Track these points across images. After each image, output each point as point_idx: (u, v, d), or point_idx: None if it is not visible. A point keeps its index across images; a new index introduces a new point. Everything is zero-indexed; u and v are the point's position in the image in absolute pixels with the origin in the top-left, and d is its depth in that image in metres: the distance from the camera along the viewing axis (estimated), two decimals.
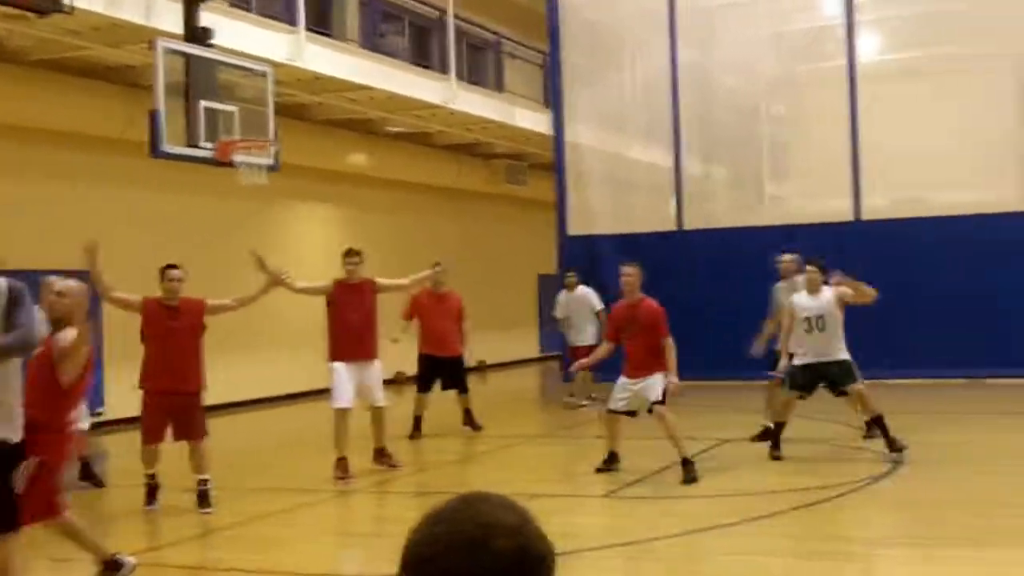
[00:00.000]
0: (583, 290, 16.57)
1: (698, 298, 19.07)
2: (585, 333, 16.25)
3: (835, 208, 18.71)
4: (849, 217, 18.68)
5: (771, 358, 11.85)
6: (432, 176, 22.91)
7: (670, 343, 10.33)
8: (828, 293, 11.05)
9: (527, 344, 27.74)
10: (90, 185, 15.73)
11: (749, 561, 7.39)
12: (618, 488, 9.86)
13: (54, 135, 14.87)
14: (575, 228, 20.81)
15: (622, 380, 10.51)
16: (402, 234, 21.92)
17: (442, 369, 13.90)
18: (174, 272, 9.65)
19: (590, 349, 15.34)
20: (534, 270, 27.16)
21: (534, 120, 22.20)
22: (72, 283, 6.53)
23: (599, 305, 16.13)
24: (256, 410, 17.59)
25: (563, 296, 16.76)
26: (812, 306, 11.04)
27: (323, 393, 17.69)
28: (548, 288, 26.59)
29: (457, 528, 1.59)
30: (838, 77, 18.84)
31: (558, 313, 16.75)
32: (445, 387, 14.03)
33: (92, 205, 15.63)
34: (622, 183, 20.82)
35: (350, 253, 11.32)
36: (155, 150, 11.88)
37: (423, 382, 13.95)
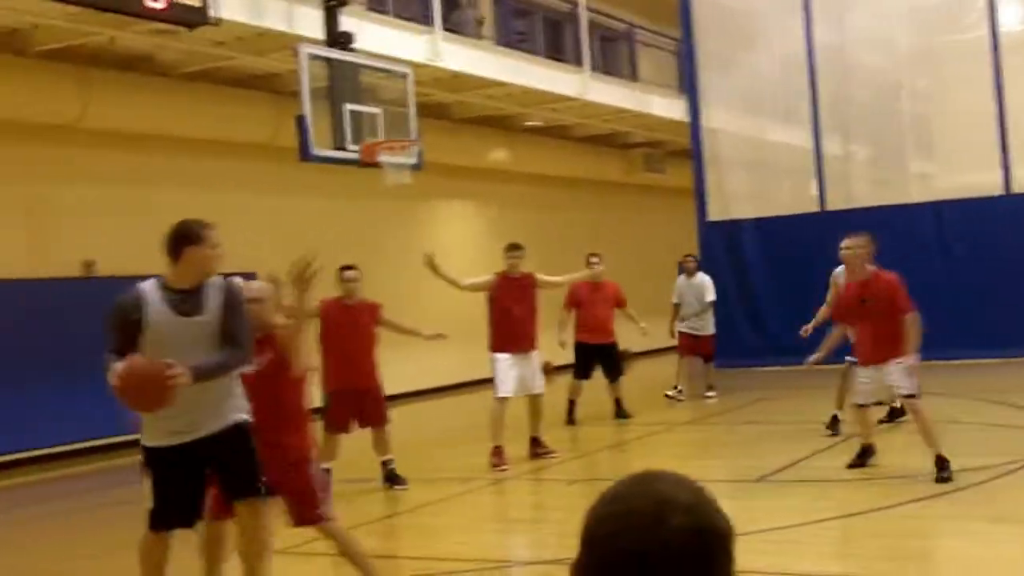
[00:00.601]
0: (701, 277, 16.12)
1: None
2: (695, 321, 15.87)
3: (983, 182, 18.26)
4: (998, 191, 18.21)
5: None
6: (570, 168, 23.02)
7: (913, 317, 9.13)
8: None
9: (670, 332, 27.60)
10: (242, 191, 16.25)
11: (905, 545, 7.33)
12: (770, 473, 9.84)
13: (205, 144, 15.40)
14: (714, 214, 20.71)
15: (859, 370, 9.48)
16: (542, 228, 22.06)
17: (597, 356, 14.28)
18: (349, 273, 10.16)
19: (695, 339, 15.80)
20: (674, 258, 27.01)
21: (669, 107, 22.14)
22: (259, 284, 6.66)
23: (712, 295, 15.91)
24: (410, 403, 17.92)
25: (680, 281, 16.31)
26: None
27: (471, 385, 18.01)
28: None
29: (634, 506, 1.59)
30: (980, 48, 18.37)
31: (673, 298, 16.22)
32: (605, 374, 14.42)
33: (244, 211, 16.15)
34: (761, 166, 20.63)
35: (513, 248, 11.63)
36: (304, 154, 12.25)
37: (580, 369, 14.34)
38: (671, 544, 1.55)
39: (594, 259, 14.29)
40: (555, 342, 13.68)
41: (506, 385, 11.19)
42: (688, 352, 16.08)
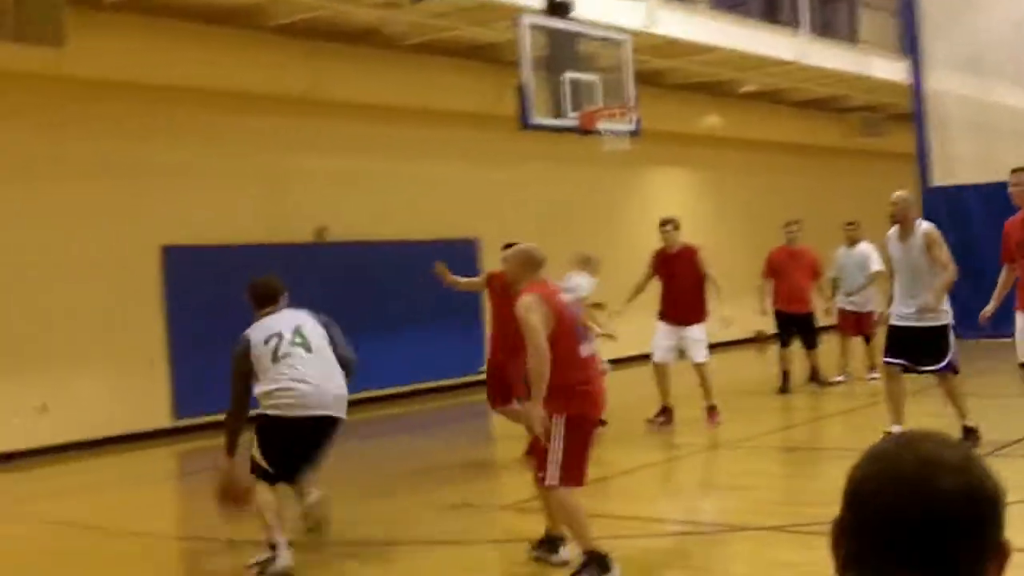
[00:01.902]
0: (863, 247, 14.51)
1: None
2: (857, 296, 14.43)
3: None
4: None
5: None
6: (785, 134, 22.67)
7: None
8: None
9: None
10: (464, 159, 16.64)
11: None
12: (1003, 446, 9.59)
13: (430, 114, 15.84)
14: (938, 179, 20.08)
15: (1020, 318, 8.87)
16: (756, 194, 21.85)
17: (793, 324, 14.20)
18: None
19: (857, 316, 14.42)
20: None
21: (890, 70, 21.49)
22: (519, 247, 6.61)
23: (876, 266, 13.98)
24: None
25: (840, 252, 14.78)
26: None
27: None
28: None
29: (899, 465, 1.55)
30: None
31: (831, 271, 14.74)
32: (802, 342, 14.29)
33: (465, 180, 16.57)
34: (987, 130, 19.88)
35: (665, 223, 11.80)
36: (524, 122, 12.47)
37: (782, 337, 14.34)
38: (937, 505, 1.50)
39: (792, 227, 14.25)
40: (759, 311, 13.97)
41: (657, 353, 11.78)
42: (850, 331, 14.69)
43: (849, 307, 14.53)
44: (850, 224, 14.84)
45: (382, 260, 15.07)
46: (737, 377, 13.89)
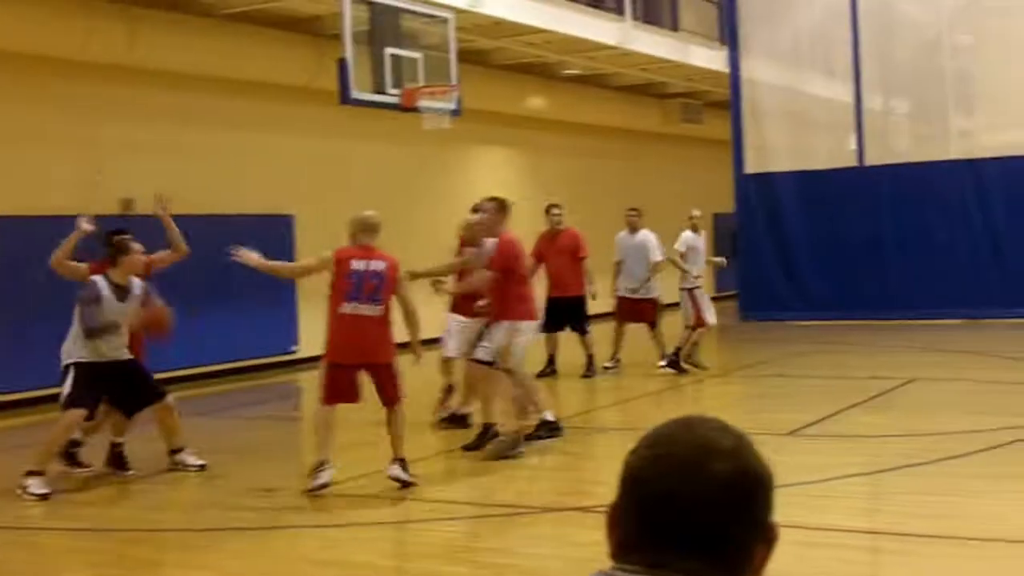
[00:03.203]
0: (644, 234, 14.40)
1: (880, 235, 18.82)
2: (635, 282, 14.28)
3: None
4: None
5: None
6: (607, 118, 22.93)
7: None
8: None
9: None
10: (281, 133, 16.32)
11: (936, 501, 7.39)
12: (802, 427, 9.92)
13: (247, 85, 15.45)
14: (752, 166, 20.66)
15: None
16: (578, 176, 22.05)
17: (561, 310, 13.63)
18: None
19: (633, 303, 14.28)
20: (710, 209, 26.98)
21: (709, 58, 21.98)
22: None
23: (658, 255, 14.21)
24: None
25: (621, 236, 14.55)
26: None
27: None
28: (724, 227, 26.43)
29: (674, 450, 1.58)
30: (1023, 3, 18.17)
31: (616, 255, 14.53)
32: (572, 329, 13.90)
33: (283, 153, 16.26)
34: (800, 119, 20.53)
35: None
36: (345, 97, 12.29)
37: (547, 324, 13.49)
38: (711, 488, 1.55)
39: (554, 210, 13.86)
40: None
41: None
42: (627, 318, 14.43)
43: (626, 294, 14.34)
44: (632, 210, 14.63)
45: (191, 235, 14.57)
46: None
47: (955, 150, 19.06)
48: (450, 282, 10.13)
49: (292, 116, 16.32)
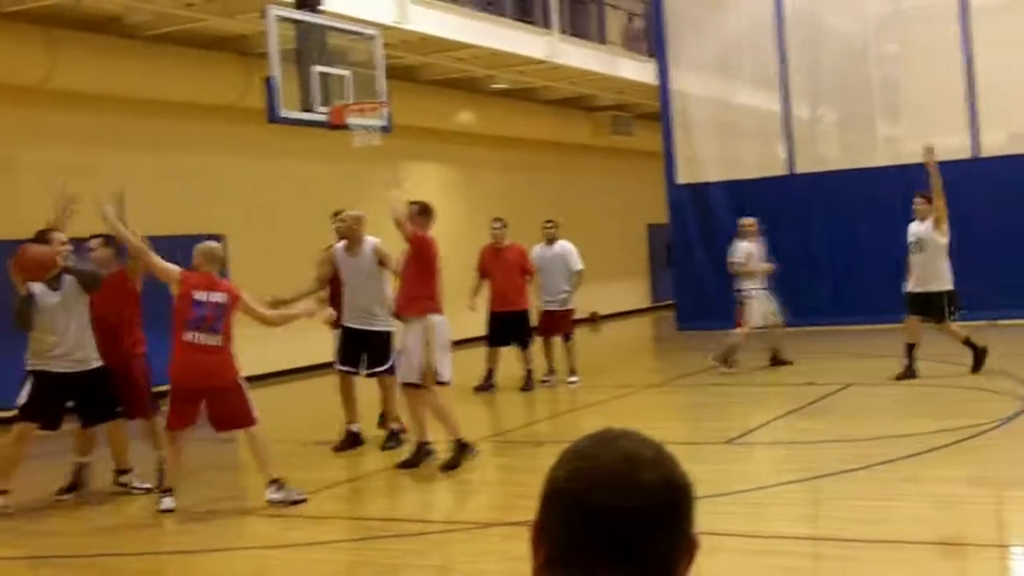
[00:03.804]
0: (562, 244, 14.28)
1: (811, 242, 18.98)
2: (554, 295, 14.13)
3: (952, 146, 18.34)
4: (967, 155, 18.30)
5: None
6: (538, 131, 22.97)
7: None
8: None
9: (638, 294, 27.81)
10: (210, 153, 16.14)
11: (872, 507, 7.42)
12: (740, 435, 9.94)
13: (174, 106, 15.26)
14: (684, 177, 20.75)
15: None
16: (509, 190, 22.04)
17: (504, 324, 13.75)
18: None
19: (553, 315, 14.14)
20: (644, 220, 27.15)
21: (638, 70, 22.12)
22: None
23: (579, 265, 14.14)
24: None
25: (538, 250, 14.34)
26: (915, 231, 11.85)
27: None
28: (658, 238, 26.58)
29: (600, 464, 1.59)
30: (948, 12, 18.42)
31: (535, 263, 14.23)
32: (515, 342, 13.88)
33: (212, 173, 16.07)
34: (730, 129, 20.67)
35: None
36: (272, 116, 12.15)
37: (491, 338, 13.98)
38: (641, 498, 1.56)
39: (496, 223, 14.01)
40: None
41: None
42: (549, 332, 14.29)
43: (549, 307, 14.19)
44: (548, 223, 14.54)
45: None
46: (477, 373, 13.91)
47: (882, 157, 19.28)
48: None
49: (221, 135, 16.15)
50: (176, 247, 11.53)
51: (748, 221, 14.63)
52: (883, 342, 15.27)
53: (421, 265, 9.22)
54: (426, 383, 9.05)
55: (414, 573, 6.45)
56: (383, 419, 10.51)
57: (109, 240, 8.97)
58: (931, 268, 12.28)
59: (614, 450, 1.61)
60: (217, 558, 7.11)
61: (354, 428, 10.36)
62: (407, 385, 9.23)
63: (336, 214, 11.18)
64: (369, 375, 10.28)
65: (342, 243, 10.29)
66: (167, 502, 8.10)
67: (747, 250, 14.42)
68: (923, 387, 11.92)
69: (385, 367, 10.16)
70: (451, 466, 8.98)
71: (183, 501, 8.28)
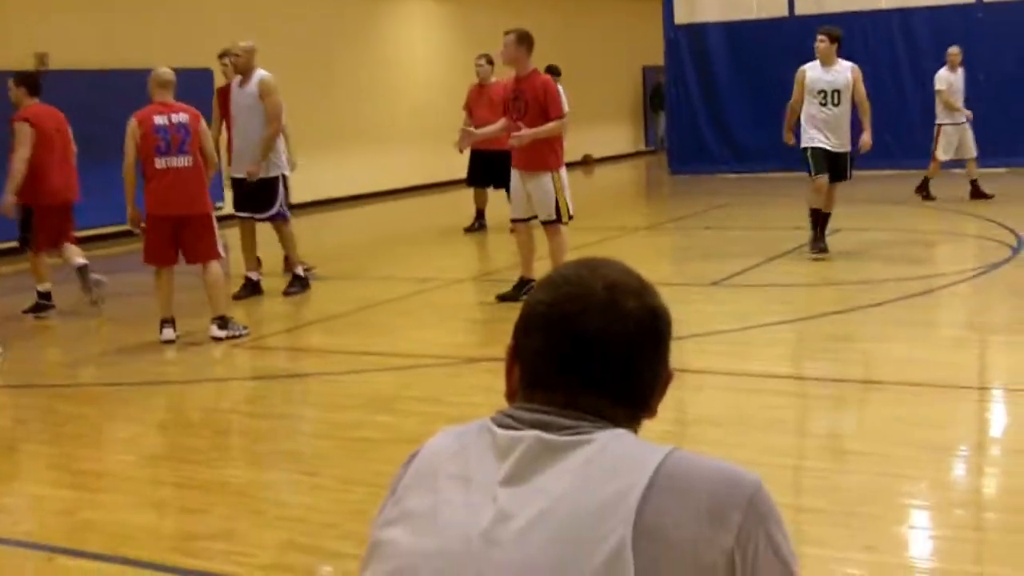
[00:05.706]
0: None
1: None
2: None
3: None
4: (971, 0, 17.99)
5: None
6: None
7: None
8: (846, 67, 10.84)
9: (633, 138, 27.59)
10: None
11: (855, 347, 7.48)
12: (727, 277, 9.96)
13: None
14: (682, 17, 20.38)
15: None
16: (500, 30, 21.62)
17: (486, 163, 13.18)
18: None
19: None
20: (639, 62, 26.76)
21: None
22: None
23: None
24: (371, 203, 17.83)
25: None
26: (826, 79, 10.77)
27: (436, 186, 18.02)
28: (654, 80, 26.23)
29: (584, 290, 1.59)
30: None
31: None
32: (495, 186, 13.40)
33: (203, 5, 15.76)
34: None
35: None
36: None
37: (470, 176, 13.77)
38: (625, 324, 1.57)
39: (480, 60, 13.64)
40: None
41: None
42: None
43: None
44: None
45: (109, 90, 14.13)
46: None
47: (885, 0, 18.92)
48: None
49: None
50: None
51: (954, 50, 14.50)
52: (876, 187, 15.24)
53: (543, 110, 9.07)
54: (563, 220, 9.18)
55: (401, 405, 6.51)
56: (286, 263, 10.40)
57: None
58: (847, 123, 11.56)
59: (597, 277, 1.61)
60: (204, 388, 7.22)
61: (253, 276, 10.13)
62: (546, 224, 9.24)
63: (222, 55, 10.86)
64: (262, 220, 9.99)
65: (237, 79, 9.90)
66: (168, 332, 8.20)
67: (948, 79, 14.37)
68: (911, 233, 11.90)
69: (271, 212, 9.89)
70: (509, 297, 9.25)
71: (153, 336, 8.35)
